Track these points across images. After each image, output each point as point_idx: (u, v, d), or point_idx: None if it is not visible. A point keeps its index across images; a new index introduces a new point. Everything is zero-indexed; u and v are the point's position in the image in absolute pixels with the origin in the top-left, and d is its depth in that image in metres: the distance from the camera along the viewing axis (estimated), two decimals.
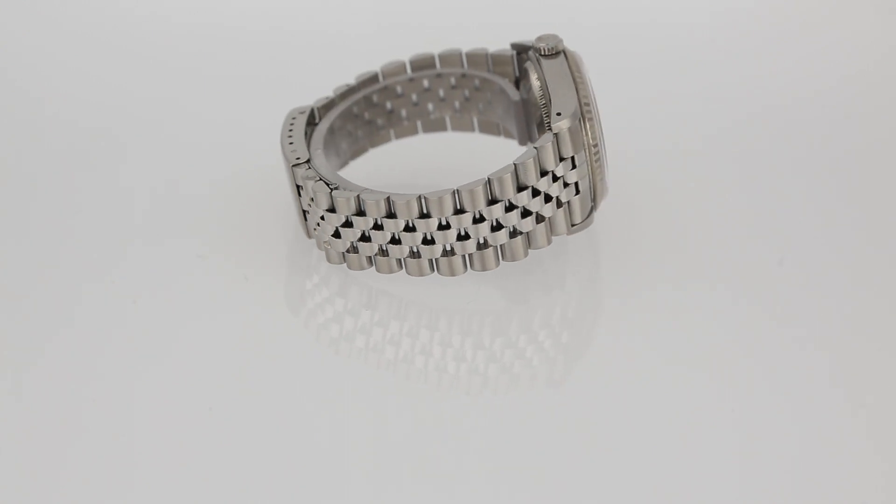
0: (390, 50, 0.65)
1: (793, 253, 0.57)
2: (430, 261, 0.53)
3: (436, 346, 0.53)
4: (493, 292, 0.56)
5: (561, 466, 0.47)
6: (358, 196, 0.52)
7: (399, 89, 0.62)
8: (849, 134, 0.66)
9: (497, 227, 0.52)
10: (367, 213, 0.52)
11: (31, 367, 0.53)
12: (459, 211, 0.52)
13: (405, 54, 0.62)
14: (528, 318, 0.55)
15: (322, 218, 0.54)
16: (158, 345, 0.54)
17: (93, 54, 0.79)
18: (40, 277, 0.58)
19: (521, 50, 0.59)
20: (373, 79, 0.61)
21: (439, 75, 0.61)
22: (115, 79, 0.77)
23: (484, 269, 0.53)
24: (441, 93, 0.62)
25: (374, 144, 0.63)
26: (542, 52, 0.55)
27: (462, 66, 0.61)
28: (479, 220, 0.52)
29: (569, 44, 0.57)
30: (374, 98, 0.61)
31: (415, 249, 0.53)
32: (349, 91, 0.61)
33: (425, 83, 0.62)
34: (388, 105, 0.62)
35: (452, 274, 0.53)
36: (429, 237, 0.52)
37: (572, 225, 0.54)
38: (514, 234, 0.52)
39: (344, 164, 0.61)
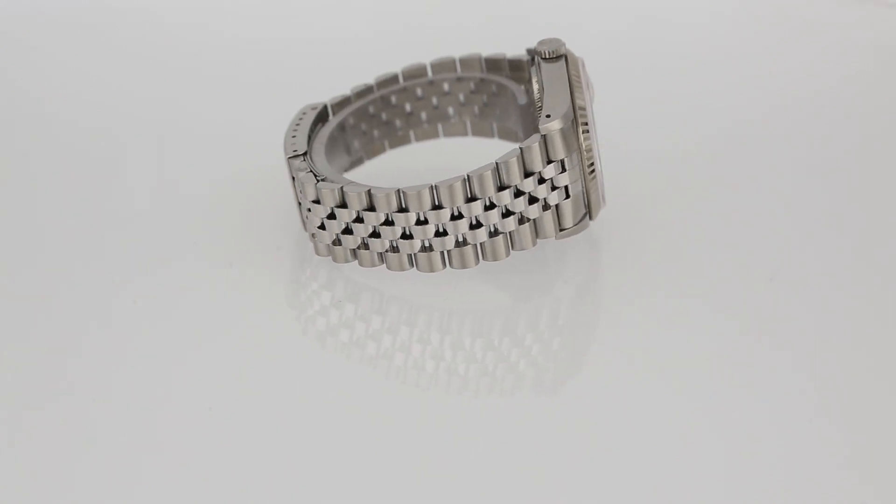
0: (391, 51, 0.65)
1: (792, 255, 0.57)
2: (410, 256, 0.53)
3: (447, 349, 0.53)
4: (497, 292, 0.56)
5: (560, 467, 0.47)
6: (341, 188, 0.53)
7: (419, 91, 0.62)
8: (848, 134, 0.66)
9: (476, 224, 0.52)
10: (349, 205, 0.52)
11: (31, 367, 0.53)
12: (438, 206, 0.52)
13: (408, 58, 0.62)
14: (534, 317, 0.55)
15: (309, 210, 0.54)
16: (158, 345, 0.54)
17: (93, 54, 0.79)
18: (39, 278, 0.58)
19: (534, 55, 0.59)
20: (392, 79, 0.62)
21: (459, 79, 0.62)
22: (115, 79, 0.77)
23: (463, 266, 0.53)
24: (461, 97, 0.62)
25: (392, 145, 0.63)
26: (544, 56, 0.55)
27: (482, 70, 0.62)
28: (457, 216, 0.52)
29: (573, 47, 0.56)
30: (393, 99, 0.62)
31: (394, 244, 0.53)
32: (366, 90, 0.62)
33: (446, 86, 0.62)
34: (408, 107, 0.62)
35: (431, 270, 0.53)
36: (407, 232, 0.52)
37: (561, 229, 0.54)
38: (494, 233, 0.52)
39: (356, 162, 0.62)
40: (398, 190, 0.52)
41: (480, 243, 0.53)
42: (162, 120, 0.73)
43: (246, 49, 0.80)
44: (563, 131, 0.52)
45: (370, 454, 0.48)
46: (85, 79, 0.77)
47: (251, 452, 0.48)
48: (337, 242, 0.54)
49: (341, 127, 0.60)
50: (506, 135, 0.62)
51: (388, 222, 0.52)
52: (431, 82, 0.62)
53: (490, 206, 0.52)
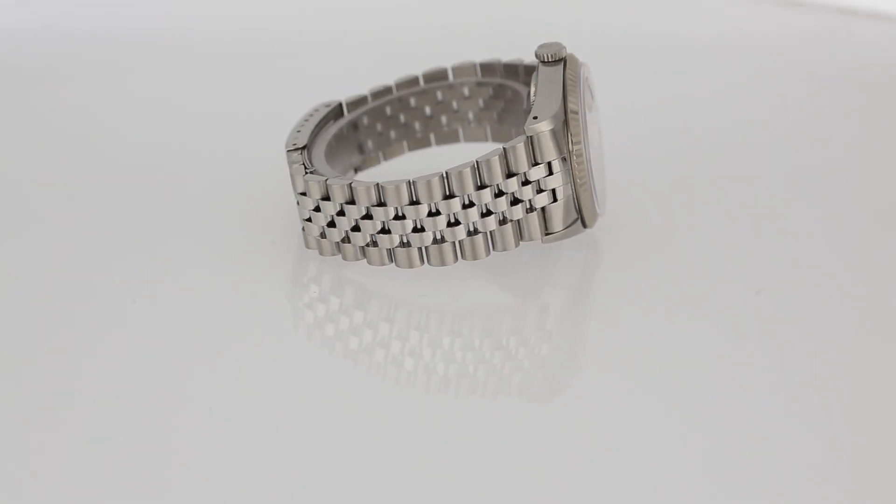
0: (392, 52, 0.65)
1: (793, 256, 0.57)
2: (388, 251, 0.53)
3: (457, 351, 0.53)
4: (501, 293, 0.56)
5: (560, 467, 0.47)
6: (325, 181, 0.53)
7: (439, 95, 0.62)
8: (849, 133, 0.66)
9: (455, 222, 0.52)
10: (333, 198, 0.53)
11: (30, 366, 0.53)
12: (416, 202, 0.52)
13: (411, 60, 0.62)
14: (541, 316, 0.55)
15: (297, 203, 0.55)
16: (158, 345, 0.54)
17: (93, 54, 0.79)
18: (40, 277, 0.58)
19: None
20: (412, 81, 0.62)
21: (479, 84, 0.62)
22: (115, 79, 0.77)
23: (442, 263, 0.53)
24: (481, 102, 0.62)
25: (412, 147, 0.63)
26: (544, 60, 0.55)
27: (501, 75, 0.61)
28: (434, 213, 0.52)
29: (574, 50, 0.56)
30: (412, 101, 0.62)
31: (374, 238, 0.53)
32: (384, 91, 0.62)
33: (466, 91, 0.62)
34: (428, 110, 0.63)
35: (410, 266, 0.53)
36: (386, 227, 0.52)
37: (548, 233, 0.53)
38: (474, 231, 0.52)
39: (371, 161, 0.62)
40: (377, 184, 0.52)
41: (459, 241, 0.53)
42: (162, 120, 0.73)
43: (246, 49, 0.80)
44: (551, 133, 0.51)
45: (370, 454, 0.48)
46: (86, 79, 0.77)
47: (251, 452, 0.48)
48: (323, 235, 0.55)
49: (354, 126, 0.60)
50: None
51: (368, 216, 0.52)
52: (451, 86, 0.62)
53: (469, 205, 0.52)
